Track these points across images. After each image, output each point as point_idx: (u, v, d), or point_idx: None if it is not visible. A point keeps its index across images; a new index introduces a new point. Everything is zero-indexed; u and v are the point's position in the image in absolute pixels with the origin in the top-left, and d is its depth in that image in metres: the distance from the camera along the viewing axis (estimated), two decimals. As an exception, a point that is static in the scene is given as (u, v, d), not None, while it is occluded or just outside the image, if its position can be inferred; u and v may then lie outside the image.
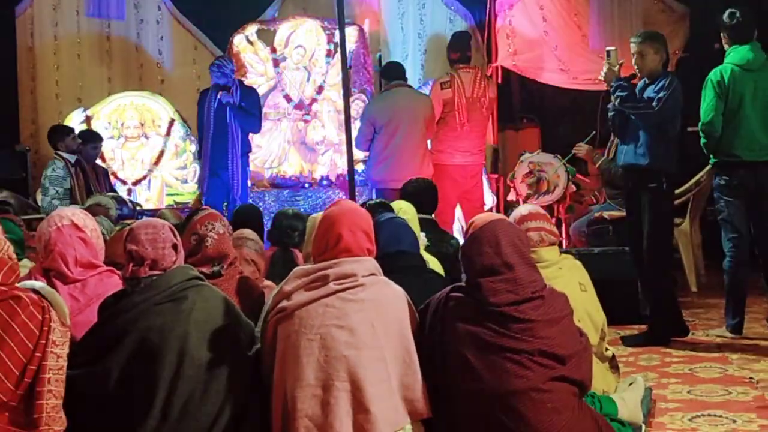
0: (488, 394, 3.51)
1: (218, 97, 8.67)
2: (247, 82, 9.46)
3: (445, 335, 3.64)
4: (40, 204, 8.75)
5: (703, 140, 6.46)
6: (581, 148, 8.29)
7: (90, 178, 9.01)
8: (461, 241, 8.24)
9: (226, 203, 8.51)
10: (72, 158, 8.84)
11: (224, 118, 8.69)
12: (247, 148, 8.94)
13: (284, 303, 3.65)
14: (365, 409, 3.46)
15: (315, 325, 3.56)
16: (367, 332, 3.55)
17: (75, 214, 4.35)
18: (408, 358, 3.61)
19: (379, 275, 3.78)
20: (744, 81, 6.34)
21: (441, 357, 3.63)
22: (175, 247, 3.88)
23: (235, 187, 8.77)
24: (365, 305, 3.61)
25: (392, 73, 8.52)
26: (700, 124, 6.42)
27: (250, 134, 9.02)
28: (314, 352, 3.52)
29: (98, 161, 9.44)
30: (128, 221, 5.58)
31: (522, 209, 4.78)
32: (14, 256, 3.67)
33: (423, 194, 6.48)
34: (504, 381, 3.49)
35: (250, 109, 8.81)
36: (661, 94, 6.30)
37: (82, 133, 9.43)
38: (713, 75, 6.40)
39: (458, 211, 8.64)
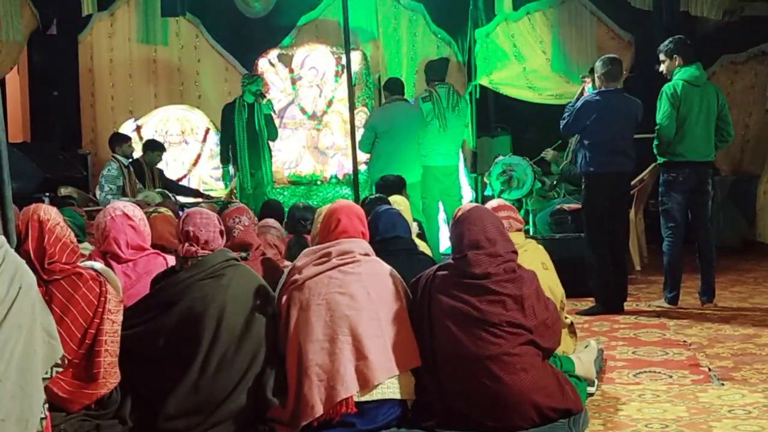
0: (468, 357, 3.53)
1: (262, 102, 8.70)
2: (269, 97, 9.49)
3: (432, 307, 3.66)
4: (97, 198, 8.75)
5: (656, 142, 6.42)
6: (548, 153, 8.38)
7: (146, 178, 9.01)
8: (438, 229, 8.31)
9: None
10: (125, 161, 8.85)
11: (254, 126, 8.70)
12: (270, 152, 8.95)
13: (296, 276, 3.72)
14: (364, 357, 3.53)
15: (322, 293, 3.63)
16: (364, 297, 3.63)
17: (126, 206, 4.36)
18: (398, 320, 3.67)
19: (372, 255, 3.85)
20: (693, 94, 6.32)
21: (429, 325, 3.66)
22: (221, 233, 3.91)
23: (266, 183, 8.80)
24: (362, 276, 3.69)
25: (393, 87, 8.46)
26: (656, 128, 6.39)
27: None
28: (322, 313, 3.59)
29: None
30: (152, 208, 5.55)
31: (492, 202, 4.80)
32: (75, 240, 3.69)
33: (393, 187, 6.58)
34: (480, 347, 3.52)
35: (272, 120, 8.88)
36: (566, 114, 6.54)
37: (149, 142, 9.43)
38: (667, 89, 6.36)
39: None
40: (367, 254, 3.82)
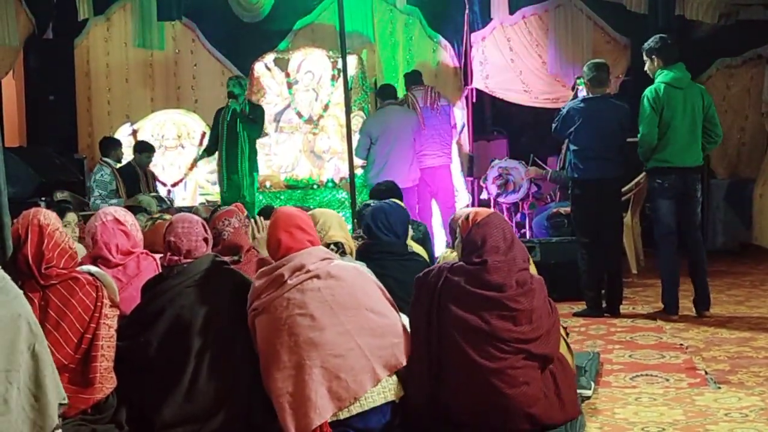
0: (472, 369, 3.52)
1: (229, 104, 8.64)
2: (265, 101, 9.51)
3: (441, 315, 3.61)
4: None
5: (640, 148, 6.32)
6: (530, 172, 8.38)
7: (141, 181, 8.99)
8: (436, 231, 8.34)
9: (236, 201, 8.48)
10: (115, 165, 8.84)
11: (235, 129, 8.66)
12: (254, 155, 8.89)
13: (256, 303, 3.62)
14: (336, 377, 3.45)
15: (282, 317, 3.53)
16: (326, 314, 3.52)
17: (117, 211, 4.36)
18: (373, 323, 3.58)
19: (332, 259, 3.71)
20: (676, 97, 6.19)
21: (437, 333, 3.61)
22: (205, 240, 3.90)
23: (243, 186, 8.76)
24: (321, 292, 3.56)
25: (386, 93, 8.51)
26: (639, 134, 6.30)
27: (267, 145, 9.01)
28: (285, 339, 3.50)
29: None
30: (157, 215, 5.57)
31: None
32: (74, 245, 3.69)
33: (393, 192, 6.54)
34: (486, 361, 3.51)
35: (255, 118, 8.79)
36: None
37: (139, 143, 9.42)
38: (648, 93, 6.25)
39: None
40: (325, 258, 3.68)
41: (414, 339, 3.67)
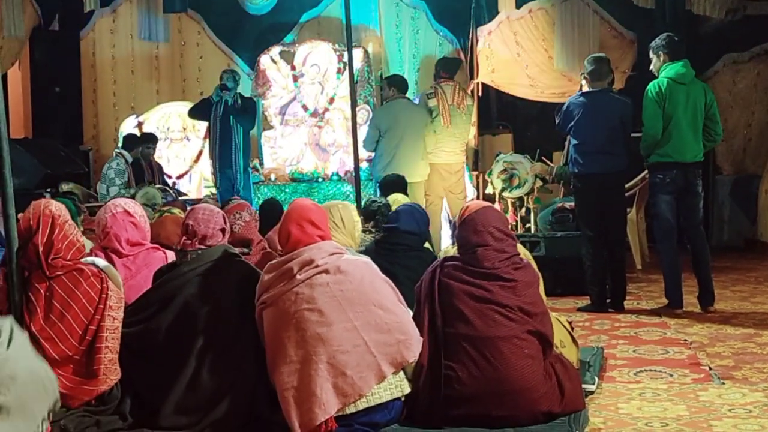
0: (479, 338, 3.61)
1: (221, 95, 8.65)
2: (270, 94, 9.52)
3: (441, 293, 3.73)
4: (101, 192, 8.73)
5: (643, 142, 6.31)
6: (535, 168, 8.36)
7: (146, 173, 9.01)
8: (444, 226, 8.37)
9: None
10: (130, 158, 8.87)
11: (227, 123, 8.67)
12: (248, 149, 8.90)
13: (264, 296, 3.63)
14: (342, 373, 3.45)
15: (290, 312, 3.53)
16: (334, 309, 3.53)
17: (127, 203, 4.38)
18: (380, 319, 3.58)
19: (341, 254, 3.70)
20: (678, 92, 6.18)
21: (440, 310, 3.71)
22: (222, 230, 3.93)
23: (238, 180, 8.76)
24: (330, 287, 3.56)
25: (397, 84, 8.46)
26: (643, 128, 6.29)
27: (272, 138, 8.98)
28: (292, 333, 3.51)
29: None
30: (165, 208, 5.59)
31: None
32: (82, 238, 3.71)
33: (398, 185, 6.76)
34: (492, 328, 3.61)
35: (247, 110, 8.79)
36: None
37: (142, 135, 9.42)
38: (652, 87, 6.23)
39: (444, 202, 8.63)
40: (334, 253, 3.67)
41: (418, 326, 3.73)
